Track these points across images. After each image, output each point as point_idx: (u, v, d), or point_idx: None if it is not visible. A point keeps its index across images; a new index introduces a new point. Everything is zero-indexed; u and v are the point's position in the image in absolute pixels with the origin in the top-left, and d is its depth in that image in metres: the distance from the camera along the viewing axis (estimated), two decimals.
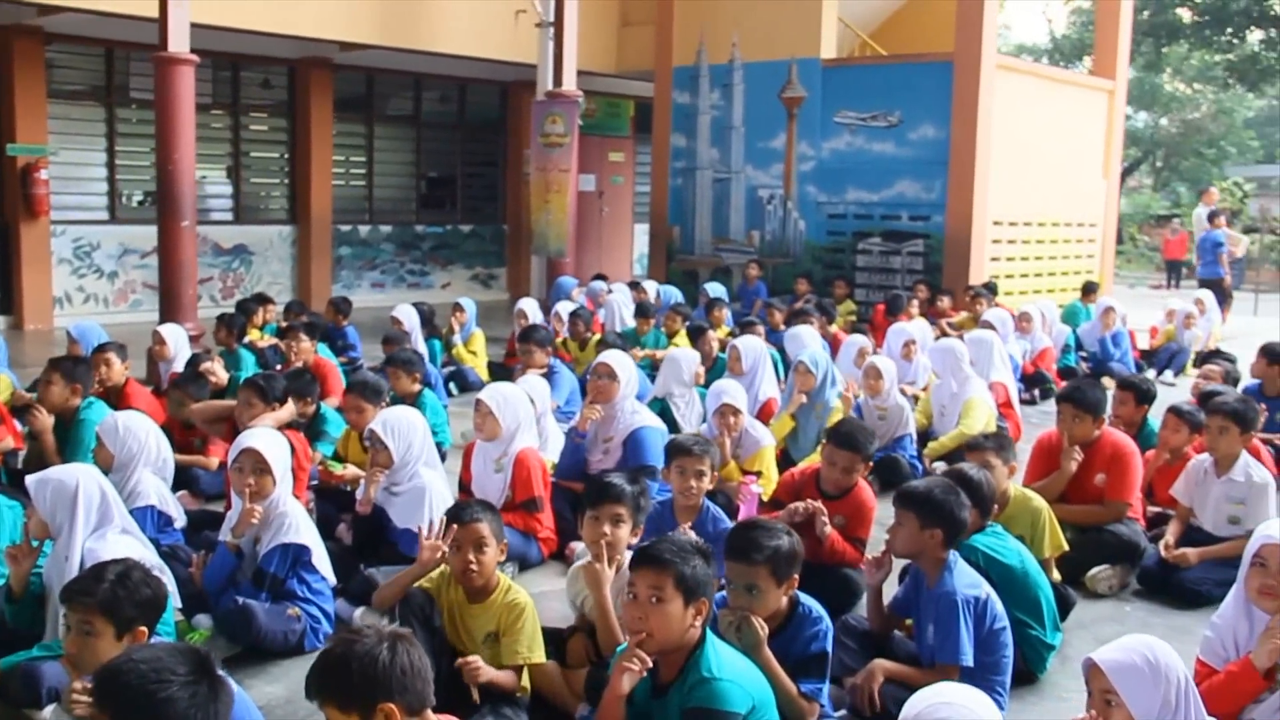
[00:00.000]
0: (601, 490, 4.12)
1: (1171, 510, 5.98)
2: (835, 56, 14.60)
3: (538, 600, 4.22)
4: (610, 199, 19.32)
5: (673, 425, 7.02)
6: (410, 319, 9.77)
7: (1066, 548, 5.09)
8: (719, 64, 15.26)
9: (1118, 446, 5.74)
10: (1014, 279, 14.18)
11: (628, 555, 4.07)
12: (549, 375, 8.24)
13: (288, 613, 4.42)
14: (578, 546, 5.59)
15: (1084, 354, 11.58)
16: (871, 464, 5.31)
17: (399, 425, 5.09)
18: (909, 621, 4.37)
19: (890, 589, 4.43)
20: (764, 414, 7.46)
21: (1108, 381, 11.20)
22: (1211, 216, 16.40)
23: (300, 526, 4.50)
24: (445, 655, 3.86)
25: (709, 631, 3.29)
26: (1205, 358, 7.42)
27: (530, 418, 5.72)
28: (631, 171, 19.78)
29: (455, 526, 3.93)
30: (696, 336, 9.28)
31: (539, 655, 3.90)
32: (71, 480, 3.99)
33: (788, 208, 14.83)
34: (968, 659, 3.88)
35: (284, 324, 9.45)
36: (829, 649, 3.74)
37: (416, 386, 7.38)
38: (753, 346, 7.70)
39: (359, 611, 4.73)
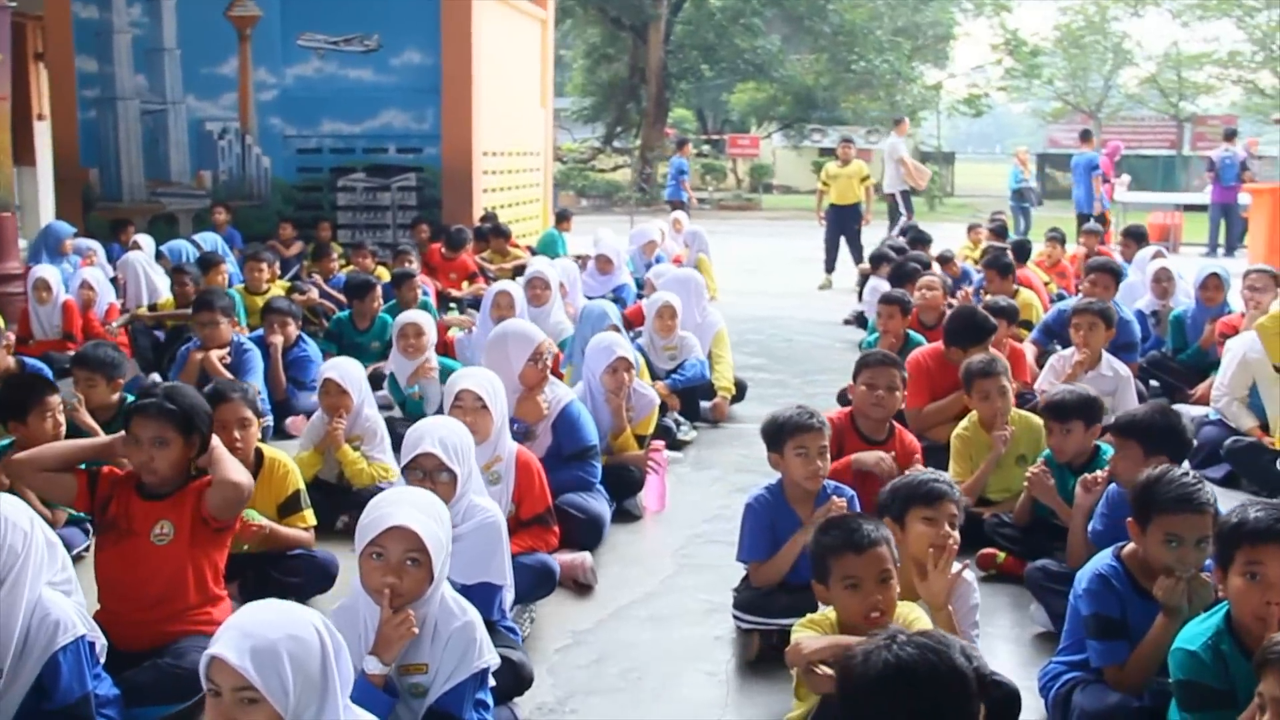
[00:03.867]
0: (933, 487, 3.32)
1: None
2: None
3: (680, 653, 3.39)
4: None
5: None
6: None
7: None
8: None
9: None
10: (497, 211, 13.89)
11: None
12: (238, 354, 6.44)
13: None
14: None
15: None
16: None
17: (459, 442, 3.55)
18: None
19: None
20: None
21: None
22: (680, 144, 17.40)
23: (487, 637, 3.00)
24: None
25: None
26: (908, 273, 7.88)
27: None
28: None
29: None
30: (364, 293, 7.74)
31: None
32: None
33: (246, 143, 12.98)
34: None
35: None
36: None
37: (116, 396, 5.34)
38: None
39: None
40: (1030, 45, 32.98)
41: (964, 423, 5.12)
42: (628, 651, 4.00)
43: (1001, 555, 4.62)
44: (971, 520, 4.78)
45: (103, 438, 3.77)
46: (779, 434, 4.04)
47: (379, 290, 7.95)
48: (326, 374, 5.15)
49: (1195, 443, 5.84)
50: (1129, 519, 3.31)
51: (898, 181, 15.59)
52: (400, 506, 2.86)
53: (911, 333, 7.12)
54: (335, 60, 12.75)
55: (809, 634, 2.95)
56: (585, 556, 4.49)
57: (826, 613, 3.03)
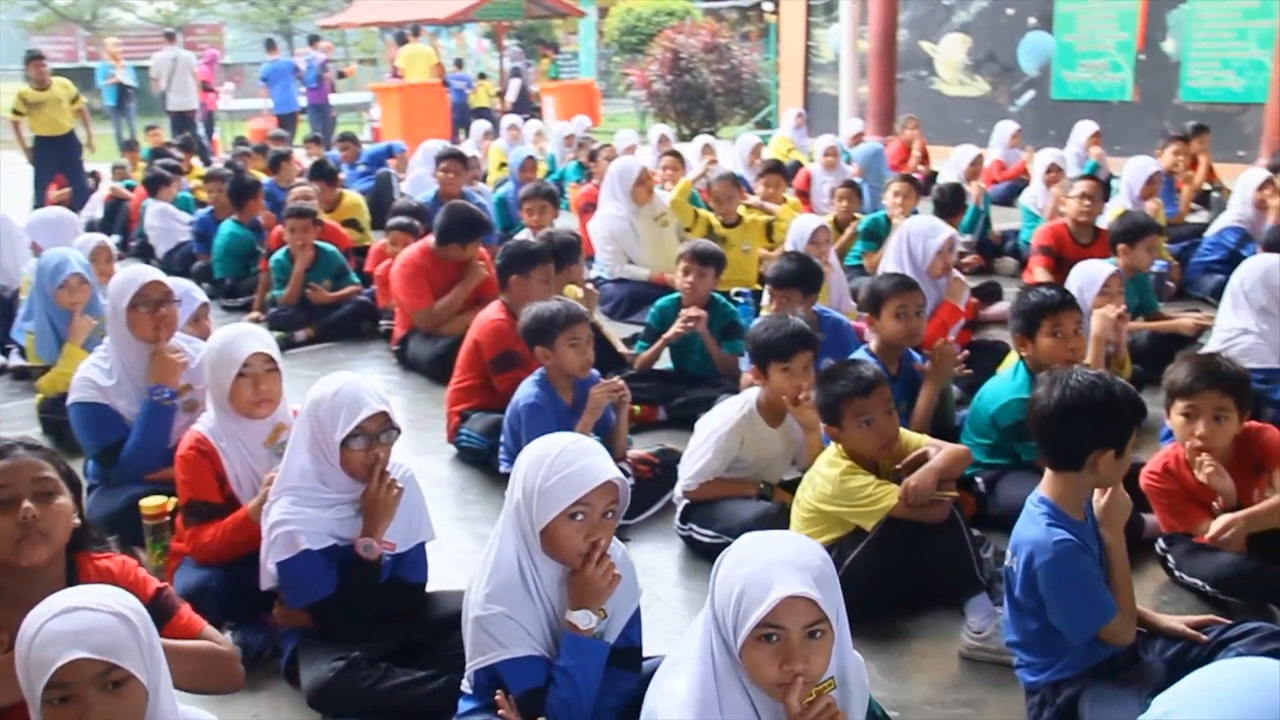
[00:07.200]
0: (792, 341, 3.94)
1: None
2: None
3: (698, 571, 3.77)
4: None
5: None
6: None
7: None
8: None
9: None
10: None
11: None
12: None
13: None
14: None
15: None
16: None
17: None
18: None
19: None
20: None
21: None
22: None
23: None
24: None
25: None
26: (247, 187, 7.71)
27: None
28: None
29: None
30: None
31: None
32: None
33: None
34: None
35: None
36: None
37: None
38: None
39: None
40: None
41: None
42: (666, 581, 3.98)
43: (638, 407, 5.20)
44: None
45: None
46: (549, 329, 4.18)
47: None
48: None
49: None
50: (865, 315, 4.44)
51: (193, 98, 15.62)
52: (593, 457, 2.59)
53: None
54: None
55: (863, 479, 3.40)
56: None
57: (840, 450, 3.50)
